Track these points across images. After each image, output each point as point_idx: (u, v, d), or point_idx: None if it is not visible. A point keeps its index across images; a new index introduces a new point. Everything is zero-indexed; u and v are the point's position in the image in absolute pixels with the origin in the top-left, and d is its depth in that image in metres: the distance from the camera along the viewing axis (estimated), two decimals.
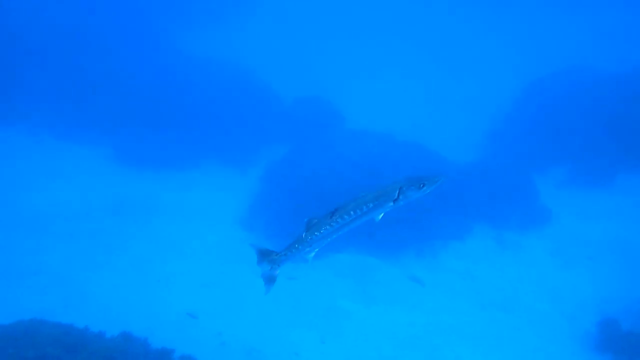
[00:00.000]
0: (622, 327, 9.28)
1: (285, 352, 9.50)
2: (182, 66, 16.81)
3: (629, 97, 15.33)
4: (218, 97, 16.17)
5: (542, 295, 10.83)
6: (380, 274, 11.52)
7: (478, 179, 13.65)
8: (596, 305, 10.25)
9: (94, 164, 14.26)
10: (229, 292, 10.53)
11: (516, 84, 17.23)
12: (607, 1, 21.96)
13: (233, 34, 21.41)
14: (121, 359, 7.10)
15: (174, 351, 7.55)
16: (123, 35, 17.01)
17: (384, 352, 9.51)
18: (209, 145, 15.15)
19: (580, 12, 21.91)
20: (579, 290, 10.78)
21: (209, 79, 16.78)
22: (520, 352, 9.44)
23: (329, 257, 11.77)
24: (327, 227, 4.82)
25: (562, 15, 21.74)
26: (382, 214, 4.86)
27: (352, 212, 4.82)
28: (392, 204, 4.82)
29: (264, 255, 4.87)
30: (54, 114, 15.52)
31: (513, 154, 15.04)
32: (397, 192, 4.80)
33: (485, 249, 12.31)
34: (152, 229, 12.06)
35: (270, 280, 4.93)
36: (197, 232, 12.19)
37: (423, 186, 4.83)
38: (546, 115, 15.88)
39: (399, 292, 11.04)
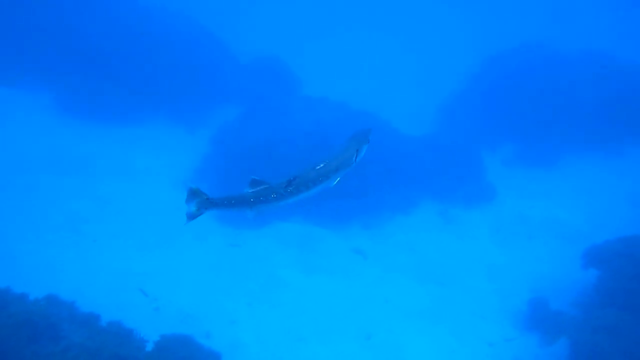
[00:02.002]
0: (551, 306, 9.58)
1: (221, 319, 9.41)
2: (135, 14, 15.85)
3: (580, 78, 15.53)
4: (171, 50, 15.41)
5: (479, 271, 11.05)
6: (324, 245, 11.49)
7: (428, 153, 13.69)
8: (529, 283, 10.52)
9: (31, 112, 13.46)
10: (167, 256, 10.30)
11: (473, 60, 17.18)
12: None
13: None
14: (43, 323, 6.81)
15: (100, 317, 7.28)
16: None
17: (319, 323, 9.53)
18: (158, 101, 14.51)
19: None
20: (514, 268, 11.03)
21: (163, 31, 15.94)
22: (453, 327, 9.64)
23: (274, 225, 11.66)
24: (277, 196, 4.68)
25: None
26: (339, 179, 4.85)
27: (310, 184, 4.71)
28: (349, 169, 4.87)
29: (195, 195, 4.70)
30: None
31: (464, 129, 15.12)
32: (355, 155, 4.83)
33: (429, 223, 12.42)
34: (90, 186, 11.58)
35: (191, 216, 4.74)
36: (138, 191, 11.80)
37: (369, 141, 5.01)
38: (500, 92, 15.95)
39: (340, 264, 11.06)
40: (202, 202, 4.68)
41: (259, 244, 11.29)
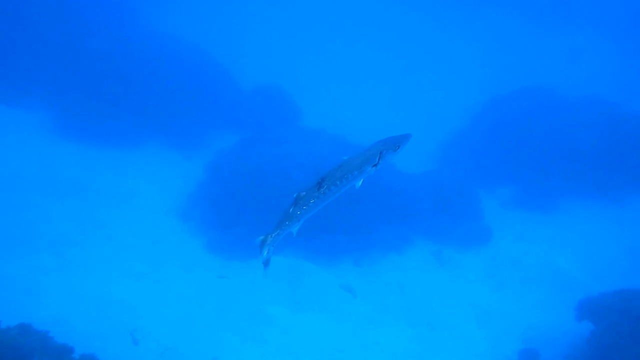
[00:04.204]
0: (541, 358, 9.29)
1: (203, 354, 9.14)
2: (136, 38, 15.94)
3: (582, 124, 15.41)
4: (170, 75, 15.43)
5: (471, 316, 10.78)
6: (313, 280, 11.24)
7: (425, 191, 13.52)
8: (520, 332, 10.25)
9: (26, 131, 13.38)
10: (151, 285, 10.07)
11: (475, 100, 17.15)
12: (570, 25, 22.23)
13: (197, 13, 20.59)
14: (12, 355, 6.57)
15: (73, 349, 7.04)
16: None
17: None
18: (154, 125, 14.43)
19: (543, 33, 22.06)
20: (507, 315, 10.76)
21: (165, 55, 16.00)
22: None
23: None
24: (315, 199, 4.82)
25: (527, 35, 21.85)
26: (362, 181, 4.98)
27: (338, 182, 4.84)
28: (372, 168, 4.93)
29: (264, 242, 4.85)
30: None
31: (463, 168, 14.99)
32: (378, 156, 4.89)
33: (422, 264, 12.17)
34: (80, 208, 11.40)
35: (266, 263, 4.90)
36: (128, 217, 11.61)
37: (398, 148, 4.99)
38: (500, 133, 15.84)
39: (329, 301, 10.80)
40: (267, 244, 4.84)
41: (247, 277, 11.05)
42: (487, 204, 13.85)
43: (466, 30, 22.21)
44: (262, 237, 4.86)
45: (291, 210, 4.85)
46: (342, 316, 10.51)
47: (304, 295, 10.83)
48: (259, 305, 10.33)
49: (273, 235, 4.85)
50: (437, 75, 19.54)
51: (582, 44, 21.53)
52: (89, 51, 14.89)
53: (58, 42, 14.90)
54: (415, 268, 12.00)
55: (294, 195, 4.88)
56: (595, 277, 11.30)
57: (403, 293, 11.29)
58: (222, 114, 15.77)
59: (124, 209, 11.92)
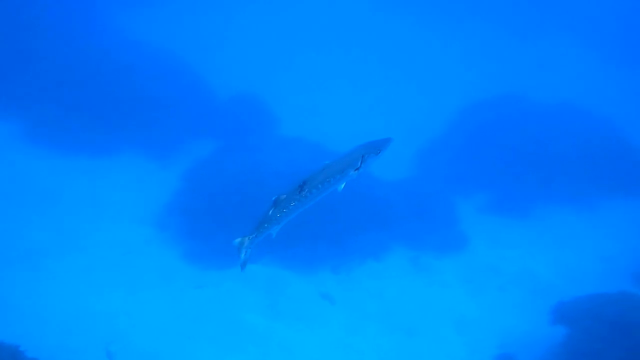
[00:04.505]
0: None
1: None
2: (110, 45, 15.76)
3: (558, 131, 15.71)
4: (146, 82, 15.26)
5: (449, 322, 10.84)
6: (291, 289, 11.20)
7: (403, 198, 13.60)
8: (497, 337, 10.35)
9: None
10: (127, 296, 9.90)
11: (452, 107, 17.35)
12: (545, 33, 22.68)
13: (173, 21, 20.44)
14: None
15: None
16: (46, 6, 15.75)
17: None
18: (129, 133, 14.22)
19: (517, 41, 22.46)
20: (484, 320, 10.85)
21: (141, 62, 15.84)
22: None
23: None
24: (296, 202, 4.90)
25: (502, 43, 22.22)
26: (344, 184, 5.10)
27: (320, 186, 4.94)
28: (354, 172, 5.04)
29: (241, 245, 4.92)
30: None
31: (440, 175, 15.12)
32: (360, 160, 5.01)
33: (400, 270, 12.21)
34: (52, 219, 11.18)
35: (244, 263, 4.98)
36: (103, 227, 11.41)
37: (379, 152, 5.12)
38: (477, 140, 16.05)
39: (307, 309, 10.77)
40: (245, 246, 4.90)
41: (225, 286, 10.94)
42: (464, 210, 13.97)
43: (442, 38, 22.48)
44: (239, 239, 4.87)
45: (270, 212, 4.87)
46: (321, 324, 10.48)
47: (283, 304, 10.78)
48: (237, 315, 10.25)
49: (251, 237, 4.87)
50: (414, 82, 19.70)
51: (556, 51, 21.95)
52: (61, 59, 14.66)
53: (30, 50, 14.64)
54: (393, 274, 12.02)
55: (273, 198, 4.90)
56: (570, 282, 11.48)
57: (381, 299, 11.30)
58: (198, 122, 15.63)
59: (98, 219, 11.71)
